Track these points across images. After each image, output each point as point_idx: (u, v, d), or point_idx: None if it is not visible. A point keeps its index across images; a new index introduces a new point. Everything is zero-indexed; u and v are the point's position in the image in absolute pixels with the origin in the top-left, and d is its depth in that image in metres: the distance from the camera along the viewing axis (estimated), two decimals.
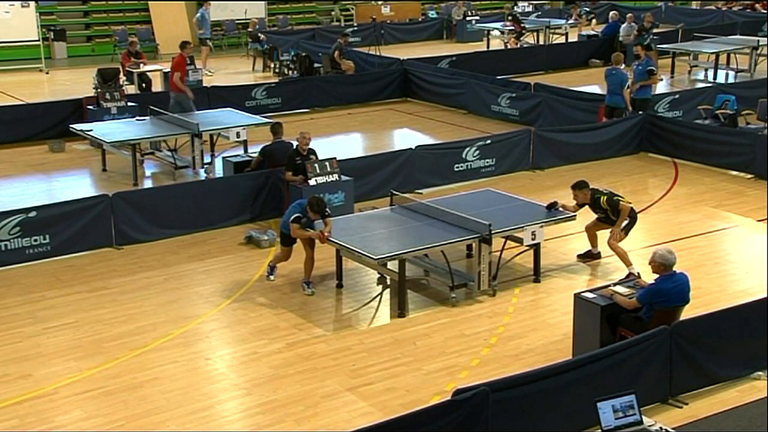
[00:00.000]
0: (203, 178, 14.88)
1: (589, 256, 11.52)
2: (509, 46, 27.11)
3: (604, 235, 11.21)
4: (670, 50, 23.81)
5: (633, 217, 10.99)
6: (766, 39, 24.29)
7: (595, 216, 11.25)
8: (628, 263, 10.93)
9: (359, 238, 10.34)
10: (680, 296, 8.44)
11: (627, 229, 10.99)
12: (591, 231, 11.42)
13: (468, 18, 30.67)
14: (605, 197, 10.95)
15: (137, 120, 16.39)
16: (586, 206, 11.16)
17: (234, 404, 8.32)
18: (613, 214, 10.92)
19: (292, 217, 10.40)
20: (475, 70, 21.56)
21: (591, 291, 8.89)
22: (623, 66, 16.61)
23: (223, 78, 23.69)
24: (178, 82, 16.85)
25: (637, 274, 10.24)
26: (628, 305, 8.52)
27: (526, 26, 28.36)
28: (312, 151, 12.95)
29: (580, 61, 25.28)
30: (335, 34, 24.88)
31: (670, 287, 8.37)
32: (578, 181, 11.25)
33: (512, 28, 27.77)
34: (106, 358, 9.10)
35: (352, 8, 32.60)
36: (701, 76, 23.60)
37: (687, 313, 8.55)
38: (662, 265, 8.41)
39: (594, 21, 30.14)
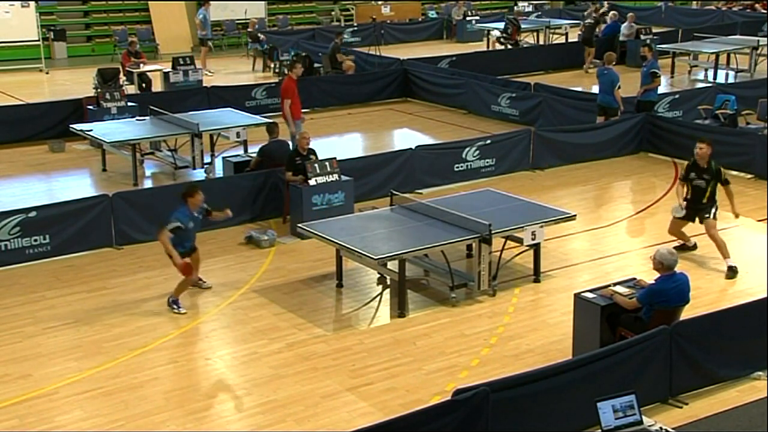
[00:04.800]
0: (203, 178, 14.87)
1: (687, 249, 11.57)
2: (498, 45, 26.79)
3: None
4: (670, 50, 23.82)
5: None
6: (766, 39, 24.29)
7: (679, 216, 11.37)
8: (726, 255, 11.12)
9: (359, 238, 10.34)
10: (680, 296, 8.44)
11: (715, 214, 11.26)
12: (676, 229, 11.55)
13: (468, 18, 30.66)
14: (721, 166, 11.24)
15: (137, 120, 16.39)
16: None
17: (234, 404, 8.32)
18: (711, 185, 11.13)
19: (170, 226, 9.91)
20: (475, 70, 21.55)
21: (591, 291, 8.88)
22: (613, 65, 16.60)
23: (223, 78, 23.70)
24: (286, 111, 14.98)
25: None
26: (628, 305, 8.52)
27: (522, 31, 27.85)
28: (312, 151, 12.95)
29: (580, 61, 25.27)
30: (335, 34, 24.87)
31: (671, 287, 8.37)
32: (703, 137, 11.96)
33: (508, 34, 27.34)
34: (106, 358, 9.10)
35: (352, 8, 32.60)
36: (701, 76, 23.61)
37: (687, 313, 8.55)
38: (660, 263, 8.42)
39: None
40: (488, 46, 27.99)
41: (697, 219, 11.31)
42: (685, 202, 11.27)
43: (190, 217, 10.13)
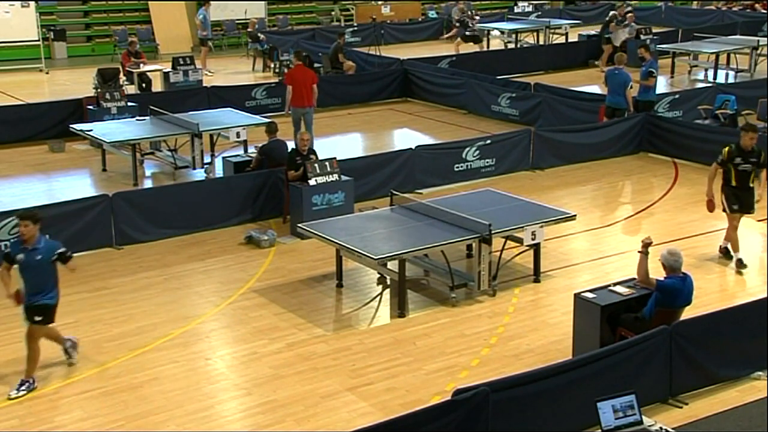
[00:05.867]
0: (203, 178, 14.87)
1: (727, 254, 11.50)
2: (457, 50, 26.22)
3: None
4: (670, 50, 23.81)
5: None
6: (766, 39, 24.29)
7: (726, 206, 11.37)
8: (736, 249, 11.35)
9: (359, 238, 10.34)
10: (686, 297, 8.46)
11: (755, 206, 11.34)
12: (733, 228, 11.44)
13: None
14: (763, 150, 11.23)
15: (137, 120, 16.39)
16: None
17: (234, 404, 8.32)
18: (756, 173, 11.17)
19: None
20: (475, 70, 21.56)
21: (591, 291, 8.88)
22: (624, 66, 16.65)
23: (223, 78, 23.69)
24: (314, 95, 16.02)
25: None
26: (646, 280, 8.51)
27: (470, 32, 27.49)
28: (312, 151, 12.96)
29: (580, 61, 25.28)
30: (335, 34, 24.90)
31: (684, 288, 8.38)
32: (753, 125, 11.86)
33: (471, 27, 27.26)
34: (106, 358, 9.10)
35: (352, 8, 32.60)
36: (701, 76, 23.61)
37: (687, 312, 8.55)
38: (663, 265, 8.44)
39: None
40: (488, 46, 28.00)
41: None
42: (724, 194, 11.33)
43: (20, 249, 8.36)
